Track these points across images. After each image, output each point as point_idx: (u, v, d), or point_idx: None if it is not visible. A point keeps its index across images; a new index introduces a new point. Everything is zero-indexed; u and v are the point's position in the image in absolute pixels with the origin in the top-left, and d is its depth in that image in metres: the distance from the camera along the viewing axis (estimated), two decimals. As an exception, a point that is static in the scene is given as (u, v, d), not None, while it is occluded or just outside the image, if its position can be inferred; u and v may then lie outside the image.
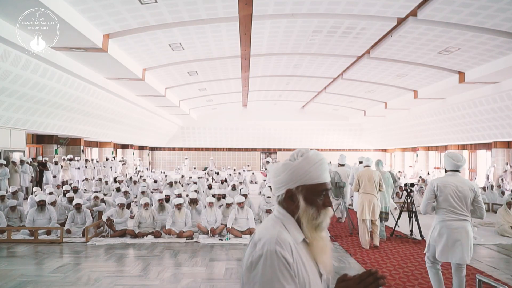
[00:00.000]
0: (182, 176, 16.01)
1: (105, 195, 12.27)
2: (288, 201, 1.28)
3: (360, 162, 7.30)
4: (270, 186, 10.26)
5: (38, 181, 12.82)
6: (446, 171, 3.70)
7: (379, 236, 6.33)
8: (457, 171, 3.60)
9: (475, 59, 10.42)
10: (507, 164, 15.61)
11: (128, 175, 18.16)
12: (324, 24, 9.13)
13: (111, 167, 17.79)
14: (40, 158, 13.91)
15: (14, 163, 11.06)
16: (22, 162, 11.54)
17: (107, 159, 18.15)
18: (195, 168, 25.02)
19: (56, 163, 13.73)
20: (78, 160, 15.52)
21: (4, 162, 10.69)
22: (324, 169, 1.29)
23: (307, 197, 1.26)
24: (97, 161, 17.52)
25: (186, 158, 24.48)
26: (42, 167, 13.04)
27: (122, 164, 19.58)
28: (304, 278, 1.17)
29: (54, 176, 13.40)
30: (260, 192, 12.77)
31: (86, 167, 15.69)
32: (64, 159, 14.94)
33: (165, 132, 26.17)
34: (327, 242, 1.28)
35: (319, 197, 1.27)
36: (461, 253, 3.45)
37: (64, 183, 12.57)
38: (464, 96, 14.25)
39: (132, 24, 8.30)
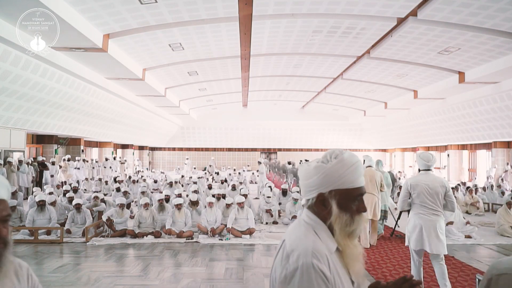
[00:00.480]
0: (182, 176, 16.00)
1: (105, 195, 12.27)
2: (320, 206, 1.20)
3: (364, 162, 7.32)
4: (270, 186, 10.25)
5: (38, 181, 12.80)
6: (419, 170, 4.03)
7: (377, 236, 6.37)
8: (429, 170, 3.92)
9: (475, 59, 10.42)
10: (507, 164, 15.61)
11: (127, 175, 18.15)
12: (324, 24, 9.13)
13: (110, 167, 17.74)
14: (40, 158, 13.88)
15: (10, 163, 10.98)
16: (20, 162, 11.51)
17: (106, 159, 18.11)
18: (195, 168, 25.01)
19: (53, 163, 13.69)
20: (78, 160, 15.50)
21: (1, 162, 10.65)
22: (360, 172, 1.21)
23: (340, 202, 1.17)
24: (96, 161, 17.44)
25: (187, 158, 24.47)
26: (42, 167, 13.02)
27: (121, 164, 19.52)
28: None
29: (52, 176, 13.37)
30: (260, 192, 12.76)
31: (83, 167, 15.59)
32: (64, 160, 14.93)
33: (165, 132, 26.17)
34: (360, 249, 1.21)
35: (354, 202, 1.18)
36: (433, 243, 3.78)
37: (63, 183, 12.55)
38: (464, 96, 14.25)
39: (132, 24, 8.30)
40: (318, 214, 1.20)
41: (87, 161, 16.31)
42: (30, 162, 12.16)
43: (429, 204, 3.84)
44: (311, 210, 1.22)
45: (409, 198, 4.02)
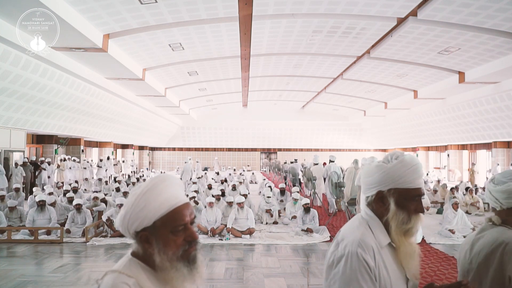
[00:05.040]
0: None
1: (105, 195, 12.25)
2: (378, 203, 1.26)
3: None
4: (270, 186, 10.26)
5: (33, 182, 12.50)
6: None
7: None
8: None
9: (475, 59, 10.42)
10: (511, 165, 15.60)
11: (126, 175, 18.08)
12: (324, 24, 9.13)
13: (106, 170, 17.41)
14: (33, 158, 13.75)
15: None
16: (16, 164, 11.35)
17: (101, 160, 17.63)
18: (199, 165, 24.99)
19: (49, 163, 13.59)
20: (75, 160, 15.44)
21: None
22: (420, 174, 1.26)
23: (398, 201, 1.22)
24: (88, 161, 16.87)
25: (190, 158, 24.38)
26: (35, 167, 12.85)
27: (114, 165, 19.24)
28: (385, 282, 1.15)
29: (49, 177, 13.29)
30: (260, 192, 12.77)
31: (74, 167, 15.37)
32: (61, 160, 14.81)
33: (165, 132, 26.17)
34: (416, 247, 1.25)
35: (412, 202, 1.23)
36: None
37: (61, 183, 12.48)
38: (464, 96, 14.25)
39: (132, 24, 8.30)
40: (375, 210, 1.27)
41: (79, 162, 16.00)
42: (22, 163, 11.78)
43: None
44: (370, 207, 1.29)
45: None
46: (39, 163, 13.18)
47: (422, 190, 1.27)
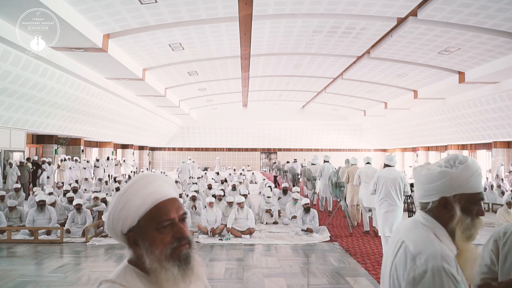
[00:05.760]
0: (191, 177, 15.91)
1: (106, 195, 12.23)
2: (441, 210, 1.22)
3: (368, 163, 7.65)
4: (270, 186, 10.26)
5: (32, 182, 12.36)
6: (385, 165, 5.52)
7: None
8: (392, 166, 5.50)
9: (475, 59, 10.42)
10: (511, 165, 15.58)
11: (126, 176, 18.05)
12: (324, 24, 9.13)
13: (104, 170, 17.33)
14: (35, 158, 13.71)
15: None
16: (10, 164, 11.29)
17: (97, 160, 17.52)
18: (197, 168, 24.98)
19: (49, 164, 13.55)
20: (76, 161, 15.43)
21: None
22: (481, 177, 1.25)
23: (464, 206, 1.20)
24: (87, 161, 16.77)
25: (190, 159, 24.43)
26: (36, 168, 12.80)
27: (115, 165, 19.22)
28: None
29: (48, 177, 13.26)
30: (260, 192, 12.78)
31: (74, 167, 15.34)
32: (61, 160, 14.79)
33: (165, 132, 26.17)
34: (476, 253, 1.24)
35: (475, 206, 1.21)
36: (391, 226, 5.11)
37: (62, 183, 12.46)
38: (464, 96, 14.24)
39: (132, 24, 8.30)
40: (437, 217, 1.23)
41: (79, 161, 15.98)
42: (19, 163, 11.69)
43: (390, 193, 5.24)
44: (430, 214, 1.24)
45: (375, 187, 5.44)
46: (40, 163, 13.17)
47: (483, 194, 1.26)
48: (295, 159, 20.46)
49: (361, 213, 7.81)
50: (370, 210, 7.58)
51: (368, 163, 7.27)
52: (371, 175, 6.59)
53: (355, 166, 8.17)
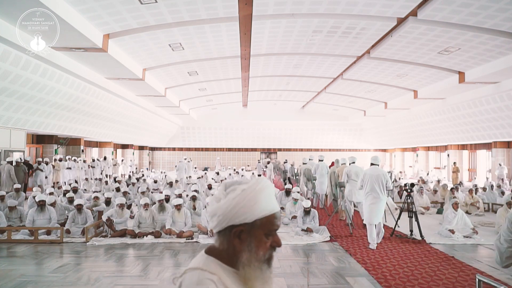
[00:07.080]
0: (189, 177, 15.92)
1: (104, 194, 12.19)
2: None
3: (353, 162, 8.14)
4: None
5: (27, 183, 12.04)
6: (371, 164, 6.23)
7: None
8: (377, 164, 6.21)
9: (475, 59, 10.42)
10: None
11: (125, 175, 18.01)
12: (324, 24, 9.13)
13: (101, 170, 17.21)
14: (28, 158, 13.62)
15: None
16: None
17: (93, 160, 17.35)
18: (195, 168, 24.99)
19: (47, 163, 13.51)
20: (75, 160, 15.40)
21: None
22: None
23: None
24: (84, 161, 16.64)
25: (185, 158, 24.43)
26: (29, 168, 12.70)
27: (114, 165, 19.16)
28: None
29: (46, 177, 13.23)
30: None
31: (74, 167, 15.30)
32: (55, 160, 14.70)
33: (165, 132, 26.17)
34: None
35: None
36: (375, 216, 5.93)
37: (55, 184, 12.38)
38: (464, 96, 14.25)
39: (132, 24, 8.30)
40: None
41: (78, 161, 15.92)
42: (15, 163, 11.58)
43: (375, 188, 5.95)
44: None
45: (362, 183, 6.13)
46: (37, 163, 13.09)
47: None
48: (285, 160, 20.28)
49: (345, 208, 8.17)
50: (355, 206, 8.62)
51: (353, 162, 7.94)
52: (356, 173, 7.60)
53: (344, 165, 8.84)
